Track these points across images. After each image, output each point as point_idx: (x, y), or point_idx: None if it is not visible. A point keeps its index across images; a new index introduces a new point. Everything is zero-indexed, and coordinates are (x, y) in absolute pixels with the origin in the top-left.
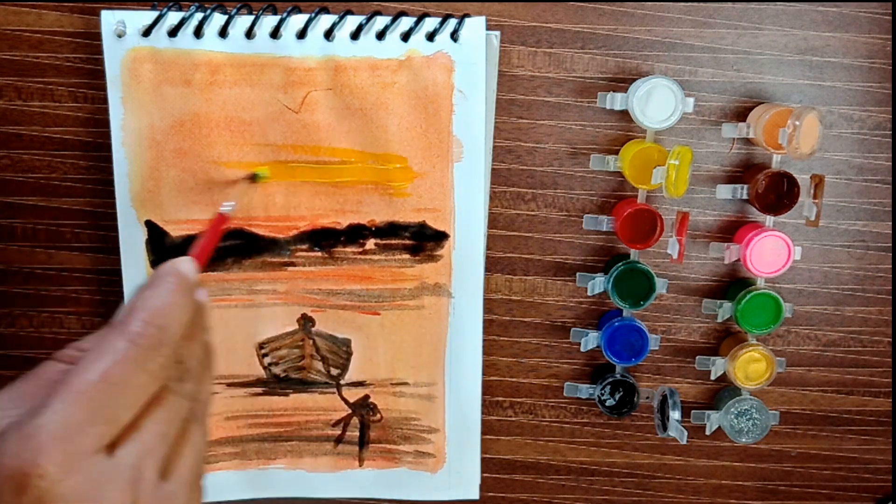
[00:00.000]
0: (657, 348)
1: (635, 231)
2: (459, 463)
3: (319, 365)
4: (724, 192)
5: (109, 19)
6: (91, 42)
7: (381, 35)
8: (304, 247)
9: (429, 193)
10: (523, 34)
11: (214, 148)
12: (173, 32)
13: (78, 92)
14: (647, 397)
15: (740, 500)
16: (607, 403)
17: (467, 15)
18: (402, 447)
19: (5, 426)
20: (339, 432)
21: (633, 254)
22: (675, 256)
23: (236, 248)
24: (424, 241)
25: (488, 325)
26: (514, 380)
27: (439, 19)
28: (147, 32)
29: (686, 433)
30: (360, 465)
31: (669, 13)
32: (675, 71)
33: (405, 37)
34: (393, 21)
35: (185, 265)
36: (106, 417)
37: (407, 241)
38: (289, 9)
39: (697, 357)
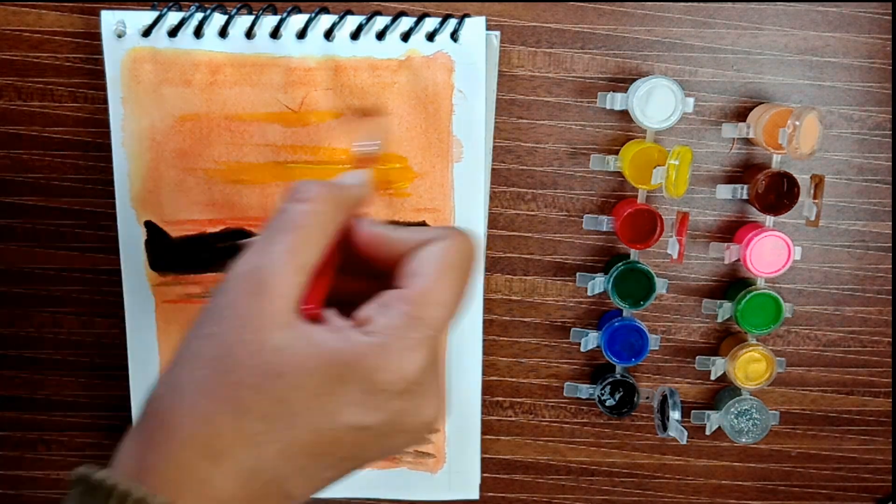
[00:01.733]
0: (657, 348)
1: (635, 231)
2: (459, 463)
3: None
4: (724, 192)
5: (109, 19)
6: (91, 42)
7: (381, 35)
8: None
9: (429, 193)
10: (523, 34)
11: (214, 148)
12: (173, 32)
13: (78, 92)
14: (647, 397)
15: (740, 500)
16: (607, 403)
17: (467, 15)
18: None
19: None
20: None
21: (633, 254)
22: (675, 256)
23: (236, 248)
24: None
25: (488, 325)
26: (514, 380)
27: (439, 19)
28: (147, 32)
29: (686, 433)
30: None
31: (669, 13)
32: (675, 71)
33: (405, 37)
34: (393, 21)
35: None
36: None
37: None
38: (289, 9)
39: (697, 357)
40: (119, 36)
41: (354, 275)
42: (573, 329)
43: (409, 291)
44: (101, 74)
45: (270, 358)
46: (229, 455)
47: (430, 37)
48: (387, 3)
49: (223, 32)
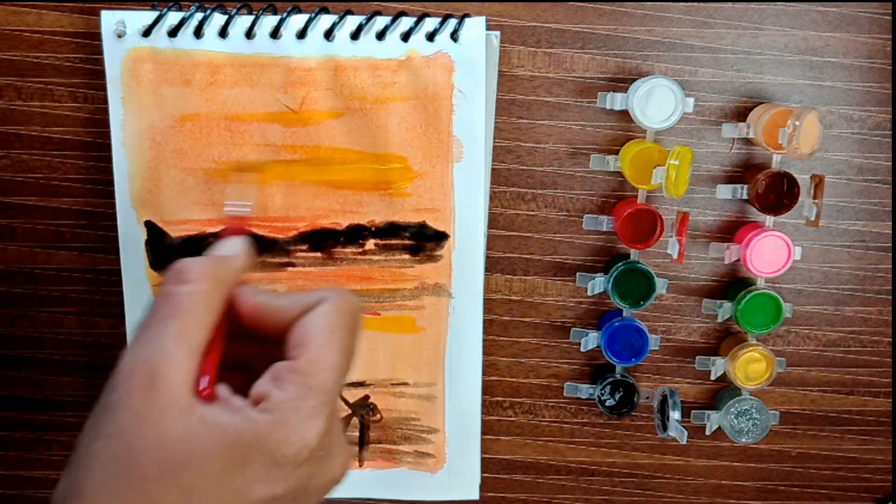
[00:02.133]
0: (657, 348)
1: (635, 231)
2: (459, 463)
3: None
4: (724, 192)
5: (109, 19)
6: (91, 42)
7: (381, 35)
8: (303, 247)
9: (429, 193)
10: (523, 34)
11: (214, 148)
12: (173, 32)
13: (78, 92)
14: (647, 397)
15: (740, 500)
16: (607, 403)
17: (467, 15)
18: (402, 447)
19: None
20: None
21: (633, 254)
22: (675, 256)
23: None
24: (424, 241)
25: (488, 325)
26: (514, 380)
27: (439, 19)
28: (147, 32)
29: (686, 433)
30: (360, 466)
31: (669, 13)
32: (675, 71)
33: (405, 37)
34: (393, 21)
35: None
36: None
37: (407, 242)
38: (289, 9)
39: (697, 357)
40: (119, 36)
41: (244, 339)
42: (573, 329)
43: (299, 363)
44: (101, 74)
45: (172, 448)
46: None
47: (430, 37)
48: (387, 3)
49: (223, 32)
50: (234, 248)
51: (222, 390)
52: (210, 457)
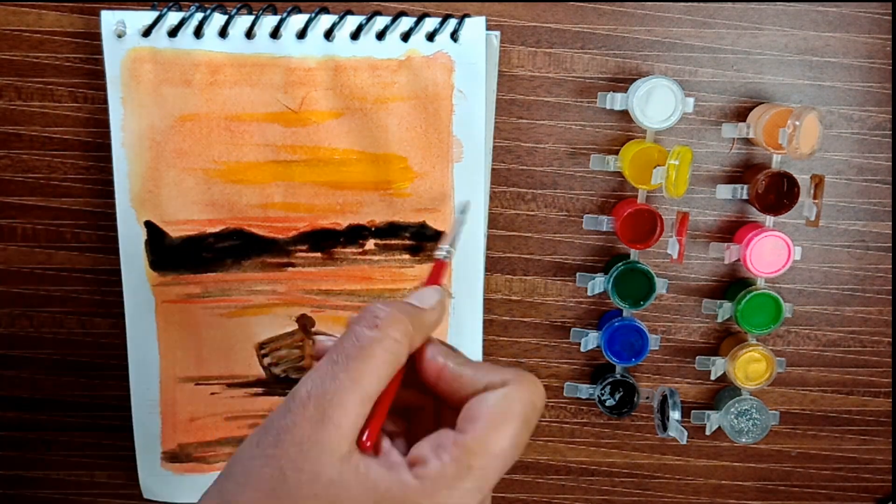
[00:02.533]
0: (657, 348)
1: (635, 231)
2: None
3: None
4: (724, 192)
5: (109, 19)
6: (91, 42)
7: (381, 35)
8: (303, 247)
9: (429, 193)
10: (523, 34)
11: (214, 148)
12: (173, 32)
13: (78, 92)
14: (647, 397)
15: (740, 500)
16: (607, 403)
17: (467, 15)
18: None
19: None
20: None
21: (633, 254)
22: (675, 256)
23: (235, 248)
24: (424, 241)
25: (488, 325)
26: None
27: (439, 19)
28: (147, 33)
29: (686, 433)
30: None
31: (669, 13)
32: (675, 71)
33: (405, 37)
34: (393, 21)
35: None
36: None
37: (407, 242)
38: (289, 9)
39: (697, 357)
40: (119, 36)
41: (416, 387)
42: (573, 329)
43: (465, 438)
44: (101, 74)
45: (325, 491)
46: None
47: (430, 37)
48: (387, 3)
49: (223, 32)
50: (430, 301)
51: (384, 444)
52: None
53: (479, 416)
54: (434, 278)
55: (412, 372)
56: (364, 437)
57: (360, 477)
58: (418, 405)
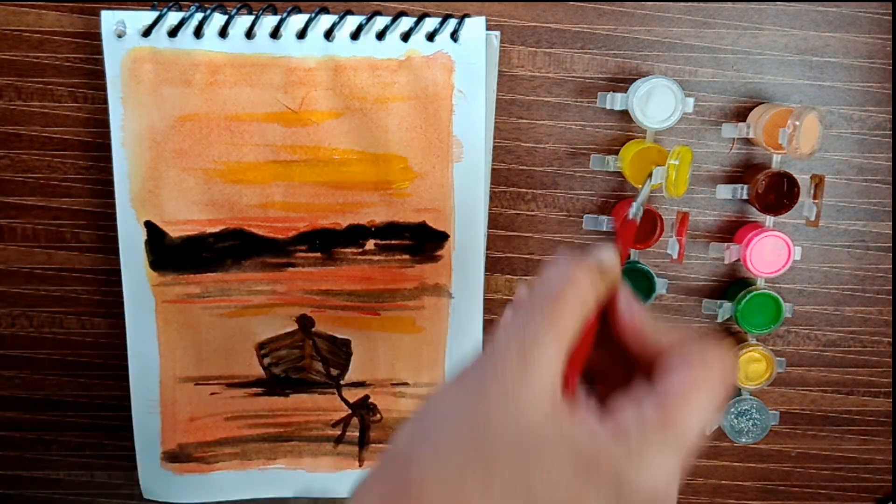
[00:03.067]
0: None
1: (635, 231)
2: None
3: (319, 365)
4: (724, 192)
5: (109, 19)
6: (91, 42)
7: (381, 35)
8: (303, 247)
9: (429, 193)
10: (523, 34)
11: (214, 148)
12: (173, 33)
13: (78, 92)
14: None
15: (740, 500)
16: None
17: (467, 15)
18: None
19: None
20: (339, 432)
21: (633, 254)
22: (675, 256)
23: (235, 248)
24: (424, 241)
25: (488, 325)
26: None
27: (439, 19)
28: (147, 33)
29: None
30: (360, 466)
31: (669, 13)
32: (675, 71)
33: (405, 37)
34: (393, 21)
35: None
36: None
37: (407, 242)
38: (289, 9)
39: None
40: (119, 36)
41: (605, 349)
42: None
43: (664, 389)
44: (101, 74)
45: (529, 434)
46: None
47: (430, 37)
48: (387, 3)
49: (223, 32)
50: (610, 258)
51: (580, 393)
52: (559, 457)
53: (677, 368)
54: (621, 238)
55: (603, 333)
56: (564, 385)
57: (561, 425)
58: (605, 369)
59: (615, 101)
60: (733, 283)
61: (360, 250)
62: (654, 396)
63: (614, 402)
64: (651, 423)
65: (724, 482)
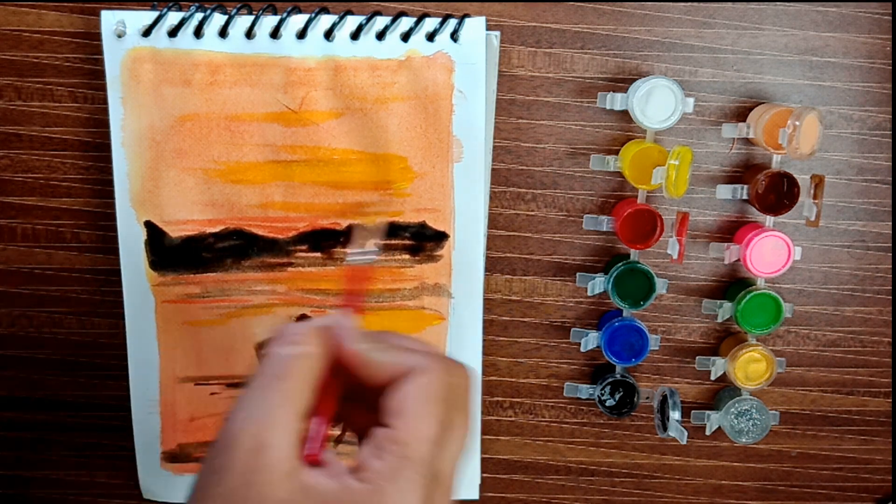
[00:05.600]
0: (657, 348)
1: (635, 231)
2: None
3: None
4: (724, 192)
5: (109, 19)
6: (91, 42)
7: (381, 35)
8: (303, 247)
9: (429, 193)
10: (523, 34)
11: (214, 148)
12: (173, 32)
13: (78, 92)
14: (647, 397)
15: (740, 500)
16: (607, 403)
17: (467, 15)
18: None
19: None
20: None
21: (633, 254)
22: (675, 256)
23: (235, 248)
24: (424, 241)
25: (488, 325)
26: (513, 380)
27: (439, 19)
28: (147, 32)
29: (686, 433)
30: None
31: (669, 13)
32: (675, 71)
33: (405, 37)
34: (393, 21)
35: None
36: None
37: (407, 242)
38: (289, 9)
39: (697, 357)
40: (119, 36)
41: (356, 399)
42: (573, 329)
43: (396, 432)
44: (101, 74)
45: None
46: None
47: (430, 37)
48: (387, 3)
49: (223, 32)
50: (346, 323)
51: (328, 456)
52: None
53: (404, 407)
54: (350, 287)
55: (351, 387)
56: (306, 452)
57: (307, 491)
58: (364, 424)
59: (615, 101)
60: (733, 283)
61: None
62: (388, 442)
63: (359, 456)
64: (391, 468)
65: (724, 482)
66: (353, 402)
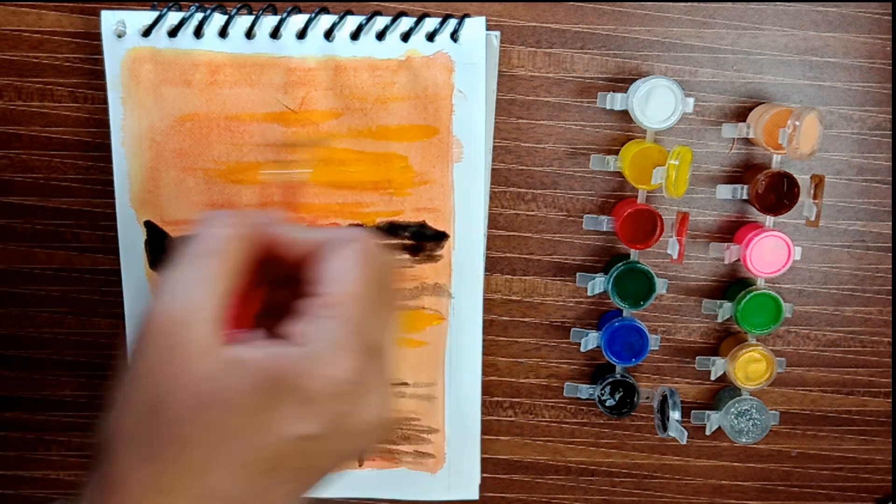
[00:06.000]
0: (657, 348)
1: (635, 231)
2: (459, 463)
3: None
4: (724, 192)
5: (109, 19)
6: (91, 42)
7: (381, 35)
8: None
9: (429, 193)
10: (523, 34)
11: (214, 148)
12: (173, 33)
13: (78, 92)
14: (647, 397)
15: (740, 500)
16: (607, 403)
17: (467, 15)
18: (402, 447)
19: None
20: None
21: (633, 254)
22: (675, 256)
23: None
24: (424, 241)
25: (488, 325)
26: (513, 380)
27: (439, 19)
28: (147, 33)
29: (686, 433)
30: (360, 465)
31: (669, 13)
32: (675, 71)
33: (405, 37)
34: (393, 21)
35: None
36: None
37: (407, 242)
38: (289, 9)
39: (697, 357)
40: (119, 36)
41: (285, 286)
42: (573, 329)
43: (326, 297)
44: (101, 74)
45: (199, 388)
46: (179, 491)
47: (430, 37)
48: (387, 3)
49: (223, 32)
50: (271, 213)
51: (255, 334)
52: (237, 394)
53: (333, 274)
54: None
55: (278, 275)
56: (229, 330)
57: (232, 364)
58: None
59: (615, 101)
60: (733, 283)
61: None
62: (319, 307)
63: (286, 326)
64: (321, 328)
65: (724, 482)
66: (277, 286)
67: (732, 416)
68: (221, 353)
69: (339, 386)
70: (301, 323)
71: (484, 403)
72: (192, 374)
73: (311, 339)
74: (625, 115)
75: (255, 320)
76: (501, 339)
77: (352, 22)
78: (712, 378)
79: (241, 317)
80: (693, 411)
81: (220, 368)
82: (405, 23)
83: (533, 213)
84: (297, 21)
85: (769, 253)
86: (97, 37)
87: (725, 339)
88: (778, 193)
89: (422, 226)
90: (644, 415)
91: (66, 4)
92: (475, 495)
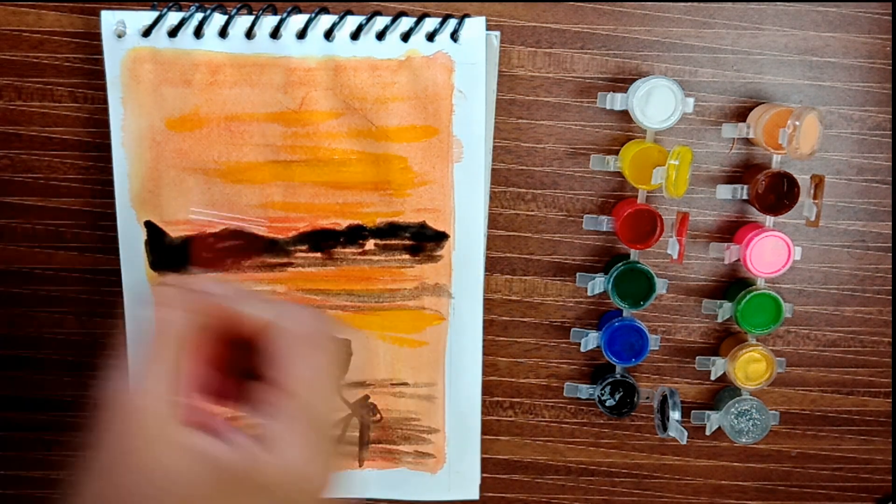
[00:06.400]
0: (657, 348)
1: (635, 231)
2: (459, 463)
3: None
4: (724, 192)
5: (109, 19)
6: (91, 42)
7: (381, 35)
8: (303, 247)
9: (429, 193)
10: (523, 34)
11: (214, 148)
12: (173, 33)
13: (78, 92)
14: (647, 397)
15: (740, 500)
16: (607, 403)
17: (467, 15)
18: (402, 447)
19: None
20: (339, 432)
21: (633, 254)
22: (675, 256)
23: (235, 248)
24: (424, 241)
25: (488, 325)
26: (513, 380)
27: (439, 19)
28: (147, 33)
29: (686, 433)
30: (360, 466)
31: (669, 13)
32: (675, 71)
33: (405, 37)
34: (393, 21)
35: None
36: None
37: (407, 242)
38: (289, 9)
39: (697, 357)
40: (119, 36)
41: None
42: (573, 329)
43: (283, 390)
44: (101, 74)
45: (160, 480)
46: None
47: (430, 37)
48: (387, 3)
49: (223, 32)
50: (218, 287)
51: (216, 421)
52: (199, 488)
53: (278, 362)
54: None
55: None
56: (186, 415)
57: (193, 455)
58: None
59: (615, 101)
60: (733, 283)
61: (360, 250)
62: (264, 396)
63: (246, 418)
64: (277, 411)
65: (724, 482)
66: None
67: (732, 416)
68: (179, 437)
69: (293, 474)
70: (258, 415)
71: (484, 403)
72: (152, 465)
73: (268, 436)
74: (625, 115)
75: (224, 380)
76: (501, 339)
77: (352, 22)
78: (712, 378)
79: (209, 384)
80: (693, 411)
81: (179, 457)
82: (405, 23)
83: (533, 213)
84: (297, 21)
85: (769, 253)
86: (97, 37)
87: (725, 339)
88: (778, 193)
89: (422, 226)
90: (644, 415)
91: (66, 4)
92: (475, 495)
